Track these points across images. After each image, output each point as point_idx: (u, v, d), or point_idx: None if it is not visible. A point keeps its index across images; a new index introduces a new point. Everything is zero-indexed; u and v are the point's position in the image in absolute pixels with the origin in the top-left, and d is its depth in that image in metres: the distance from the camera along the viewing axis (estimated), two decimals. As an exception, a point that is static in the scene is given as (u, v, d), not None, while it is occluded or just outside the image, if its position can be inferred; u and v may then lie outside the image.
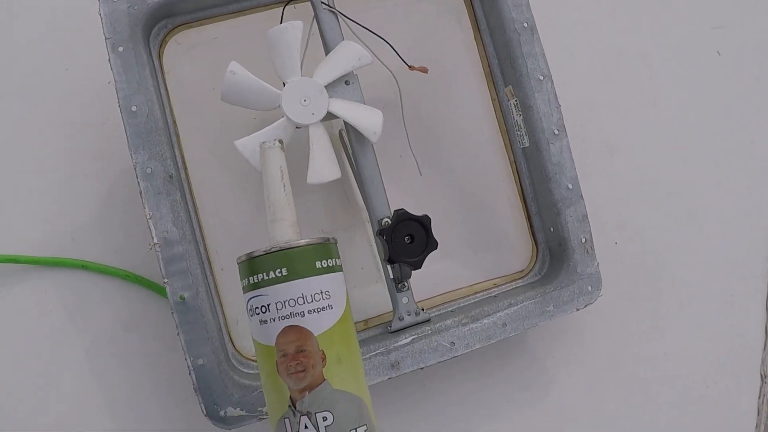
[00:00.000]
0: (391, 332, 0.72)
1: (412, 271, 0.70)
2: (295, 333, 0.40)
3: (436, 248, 0.69)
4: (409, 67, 0.73)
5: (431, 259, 0.70)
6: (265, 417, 0.67)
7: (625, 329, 0.86)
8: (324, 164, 0.68)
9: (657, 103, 0.91)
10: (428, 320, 0.73)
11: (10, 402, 0.73)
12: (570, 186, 0.76)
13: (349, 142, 0.71)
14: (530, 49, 0.76)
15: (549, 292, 0.75)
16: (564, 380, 0.84)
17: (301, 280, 0.41)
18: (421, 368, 0.70)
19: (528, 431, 0.82)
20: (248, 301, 0.43)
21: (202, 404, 0.67)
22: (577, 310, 0.75)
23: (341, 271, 0.44)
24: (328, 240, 0.44)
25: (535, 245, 0.80)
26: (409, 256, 0.68)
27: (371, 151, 0.71)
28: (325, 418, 0.40)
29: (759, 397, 0.88)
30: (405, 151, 0.75)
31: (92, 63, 0.76)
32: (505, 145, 0.80)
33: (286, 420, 0.40)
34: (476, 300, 0.77)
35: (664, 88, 0.92)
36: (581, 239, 0.76)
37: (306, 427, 0.40)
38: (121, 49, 0.67)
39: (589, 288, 0.76)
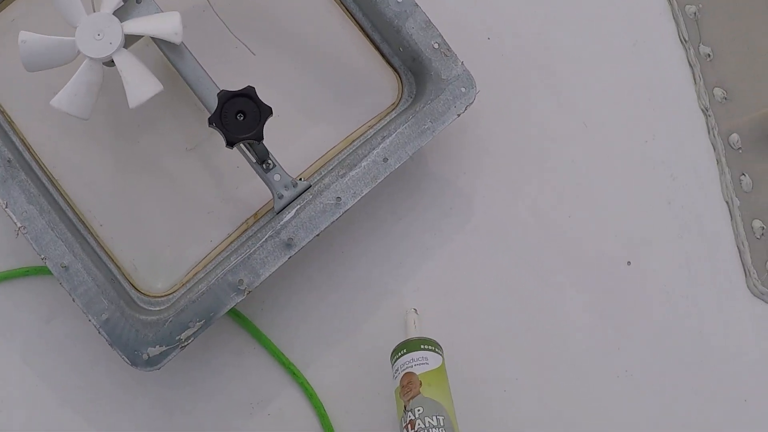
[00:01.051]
0: (277, 213, 0.70)
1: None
2: (408, 374, 0.67)
3: (271, 114, 0.65)
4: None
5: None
6: (185, 343, 0.66)
7: (527, 117, 0.81)
8: (139, 84, 0.66)
9: None
10: (309, 187, 0.70)
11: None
12: (399, 0, 0.72)
13: (163, 52, 0.70)
14: None
15: (421, 109, 0.71)
16: (482, 193, 0.79)
17: (412, 353, 0.68)
18: (317, 235, 0.68)
19: (466, 256, 0.78)
20: (393, 367, 0.69)
21: (123, 356, 0.66)
22: (458, 115, 0.71)
23: (436, 352, 0.69)
24: (430, 339, 0.70)
25: (395, 73, 0.76)
26: (246, 132, 0.65)
27: (186, 53, 0.68)
28: (418, 410, 0.64)
29: (708, 133, 0.81)
30: (232, 42, 0.73)
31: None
32: (323, -6, 0.77)
33: (402, 417, 0.66)
34: (354, 149, 0.74)
35: None
36: (433, 45, 0.71)
37: (409, 415, 0.65)
38: None
39: (462, 90, 0.71)
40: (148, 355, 0.66)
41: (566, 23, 0.83)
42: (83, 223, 0.72)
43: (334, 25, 0.76)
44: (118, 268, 0.71)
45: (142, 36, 0.68)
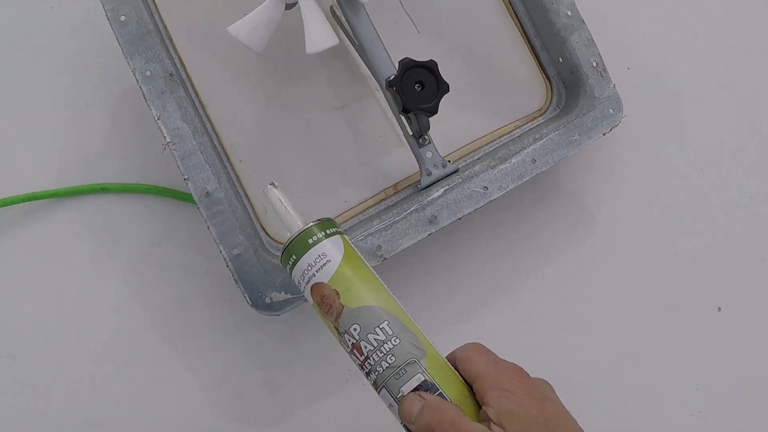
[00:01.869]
0: (422, 189, 0.71)
1: (430, 122, 0.68)
2: (315, 288, 0.54)
3: (448, 90, 0.67)
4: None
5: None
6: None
7: (655, 152, 0.84)
8: (319, 32, 0.66)
9: None
10: (456, 171, 0.71)
11: (54, 335, 0.72)
12: (569, 13, 0.74)
13: (341, 9, 0.70)
14: None
15: (572, 121, 0.73)
16: (606, 212, 0.82)
17: (304, 256, 0.54)
18: (459, 218, 0.69)
19: (579, 270, 0.80)
20: (292, 278, 0.56)
21: (245, 294, 0.66)
22: (604, 134, 0.74)
23: (331, 236, 0.55)
24: (315, 223, 0.56)
25: (547, 81, 0.78)
26: (423, 103, 0.66)
27: (364, 13, 0.69)
28: (355, 329, 0.52)
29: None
30: (399, 16, 0.74)
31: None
32: (497, -14, 0.79)
33: (341, 342, 0.54)
34: (501, 144, 0.76)
35: None
36: (592, 63, 0.74)
37: (349, 339, 0.52)
38: (99, -37, 0.67)
39: (611, 111, 0.74)
40: (271, 299, 0.66)
41: (700, 67, 0.88)
42: (226, 154, 0.71)
43: (498, 22, 0.78)
44: (252, 207, 0.71)
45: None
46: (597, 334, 0.79)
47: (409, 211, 0.69)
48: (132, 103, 0.75)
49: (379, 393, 0.52)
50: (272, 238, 0.70)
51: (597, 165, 0.82)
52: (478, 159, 0.74)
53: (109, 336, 0.72)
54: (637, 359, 0.80)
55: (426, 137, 0.70)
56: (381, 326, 0.52)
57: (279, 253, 0.63)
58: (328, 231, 0.55)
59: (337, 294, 0.53)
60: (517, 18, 0.78)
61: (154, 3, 0.71)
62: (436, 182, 0.71)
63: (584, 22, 0.74)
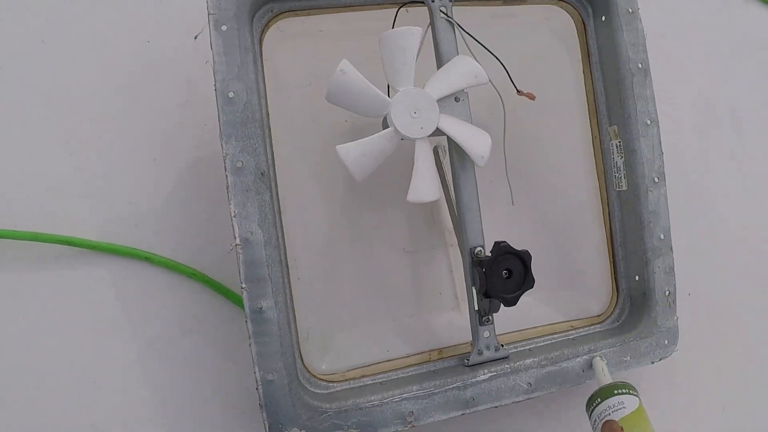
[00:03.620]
0: (468, 366, 0.68)
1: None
2: (607, 423, 0.65)
3: (532, 287, 0.65)
4: (518, 92, 0.69)
5: None
6: (329, 441, 0.63)
7: (696, 385, 0.85)
8: (426, 184, 0.64)
9: (743, 159, 0.90)
10: (507, 357, 0.69)
11: (50, 397, 0.67)
12: (662, 236, 0.73)
13: (451, 162, 0.67)
14: (642, 92, 0.73)
15: (628, 342, 0.73)
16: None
17: (606, 400, 0.66)
18: (496, 407, 0.67)
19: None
20: (590, 419, 0.68)
21: (266, 422, 0.62)
22: (652, 363, 0.73)
23: (632, 394, 0.67)
24: (623, 382, 0.68)
25: (616, 291, 0.77)
26: (506, 292, 0.64)
27: (473, 176, 0.67)
28: None
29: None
30: (497, 177, 0.71)
31: (178, 38, 0.70)
32: (599, 185, 0.77)
33: None
34: (554, 341, 0.74)
35: (753, 144, 0.90)
36: (665, 292, 0.74)
37: None
38: (224, 28, 0.61)
39: (666, 342, 0.74)
40: (288, 433, 0.63)
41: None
42: (287, 268, 0.67)
43: (588, 218, 0.77)
44: (296, 330, 0.67)
45: (444, 136, 0.65)
46: None
47: (451, 386, 0.66)
48: (202, 174, 0.70)
49: None
50: (306, 368, 0.67)
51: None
52: (529, 351, 0.72)
53: (103, 413, 0.67)
54: None
55: (489, 317, 0.68)
56: None
57: (322, 390, 0.65)
58: (631, 391, 0.67)
59: (621, 429, 0.64)
60: (610, 222, 0.77)
61: (264, 86, 0.66)
62: (484, 363, 0.68)
63: (672, 250, 0.74)
